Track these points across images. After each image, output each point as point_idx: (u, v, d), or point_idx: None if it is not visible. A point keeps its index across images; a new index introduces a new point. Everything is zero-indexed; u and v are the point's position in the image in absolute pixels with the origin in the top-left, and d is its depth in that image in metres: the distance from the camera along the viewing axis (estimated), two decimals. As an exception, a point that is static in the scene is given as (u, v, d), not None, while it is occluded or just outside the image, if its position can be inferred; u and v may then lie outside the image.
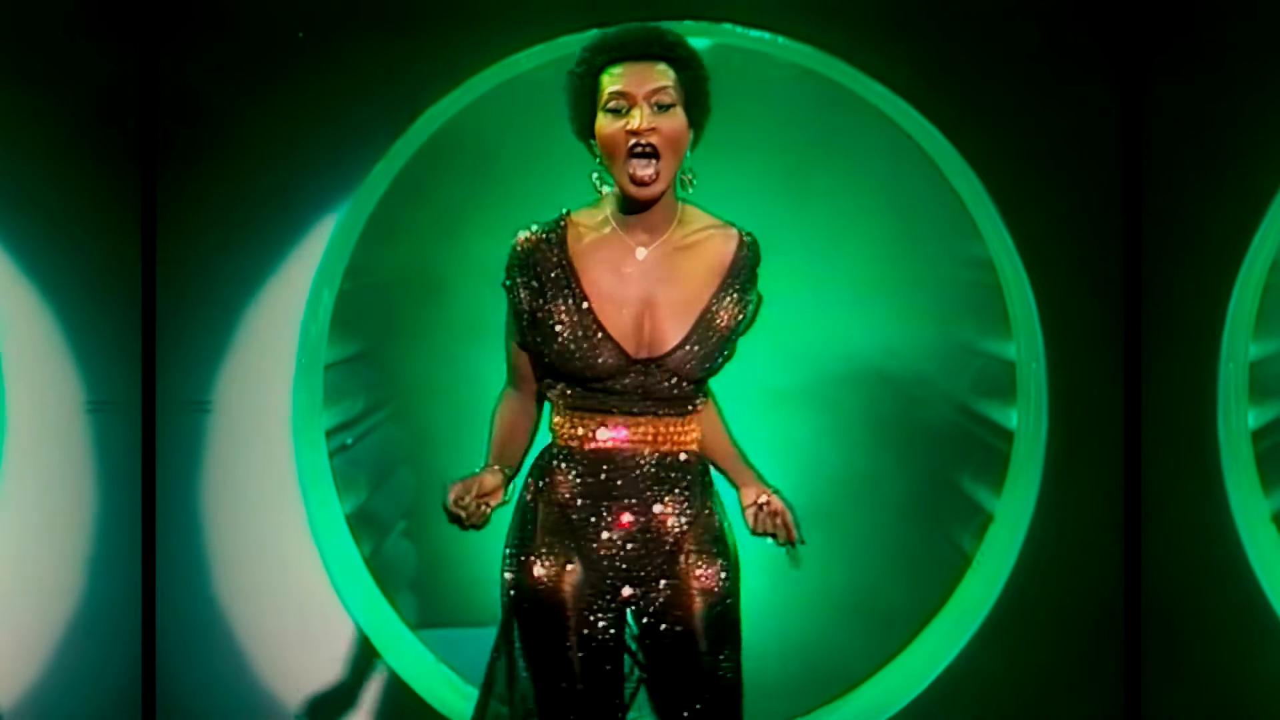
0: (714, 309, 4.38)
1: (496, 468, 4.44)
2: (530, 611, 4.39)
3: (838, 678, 6.64)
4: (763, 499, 4.46)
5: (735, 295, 4.40)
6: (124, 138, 6.38)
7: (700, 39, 6.62)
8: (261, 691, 6.50)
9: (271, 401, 6.49)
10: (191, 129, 6.44)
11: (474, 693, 6.45)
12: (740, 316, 4.42)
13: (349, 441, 6.74)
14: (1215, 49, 6.39)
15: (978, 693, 6.56)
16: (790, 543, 4.45)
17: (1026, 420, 6.57)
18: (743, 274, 4.42)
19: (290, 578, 6.50)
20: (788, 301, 6.58)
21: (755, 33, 6.47)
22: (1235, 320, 6.38)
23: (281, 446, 6.49)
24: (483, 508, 4.36)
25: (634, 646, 4.45)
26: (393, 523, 6.79)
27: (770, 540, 4.45)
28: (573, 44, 6.47)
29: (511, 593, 4.42)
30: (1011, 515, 6.58)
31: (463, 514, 4.32)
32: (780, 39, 6.48)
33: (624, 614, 4.41)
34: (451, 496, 4.34)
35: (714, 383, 4.53)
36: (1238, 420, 6.40)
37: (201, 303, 6.46)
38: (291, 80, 6.45)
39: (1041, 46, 6.48)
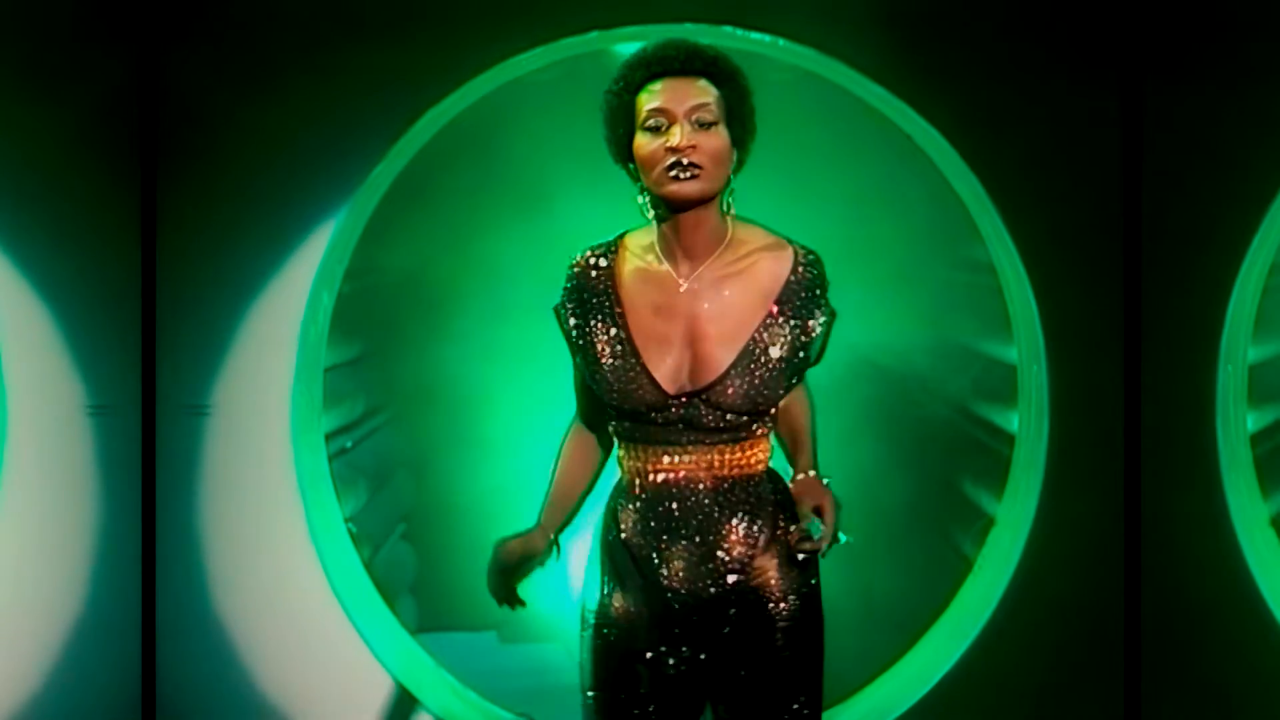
0: (762, 338, 4.17)
1: (544, 530, 4.39)
2: (604, 650, 4.26)
3: (838, 682, 6.59)
4: (820, 507, 4.25)
5: (791, 322, 4.18)
6: (124, 140, 6.36)
7: (700, 41, 6.62)
8: (260, 695, 6.49)
9: (271, 405, 6.48)
10: (191, 131, 6.42)
11: (472, 695, 6.48)
12: (800, 342, 4.19)
13: (348, 445, 6.73)
14: (1214, 54, 6.38)
15: (979, 697, 6.54)
16: (826, 542, 4.25)
17: (1028, 423, 6.56)
18: (798, 297, 4.19)
19: (289, 582, 6.48)
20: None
21: (756, 35, 6.47)
22: (1234, 323, 6.38)
23: (281, 450, 6.48)
24: (514, 593, 4.41)
25: (709, 674, 4.29)
26: (392, 526, 6.78)
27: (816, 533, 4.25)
28: (574, 46, 6.48)
29: (583, 636, 4.31)
30: (1013, 519, 6.57)
31: (499, 596, 4.40)
32: (781, 41, 6.47)
33: (696, 647, 4.24)
34: (499, 570, 4.43)
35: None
36: (1236, 424, 6.39)
37: (200, 306, 6.45)
38: (291, 82, 6.44)
39: (1042, 50, 6.47)
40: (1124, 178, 6.45)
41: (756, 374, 4.15)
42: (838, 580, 6.63)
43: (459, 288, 6.68)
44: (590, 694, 4.27)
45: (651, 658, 4.22)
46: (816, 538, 4.23)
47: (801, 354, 4.19)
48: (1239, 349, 6.41)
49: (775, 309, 4.18)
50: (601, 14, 6.43)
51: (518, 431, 6.68)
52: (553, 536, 4.39)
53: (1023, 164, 6.48)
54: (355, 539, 6.64)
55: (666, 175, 4.10)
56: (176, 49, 6.41)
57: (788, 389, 4.23)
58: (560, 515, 4.42)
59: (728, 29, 6.45)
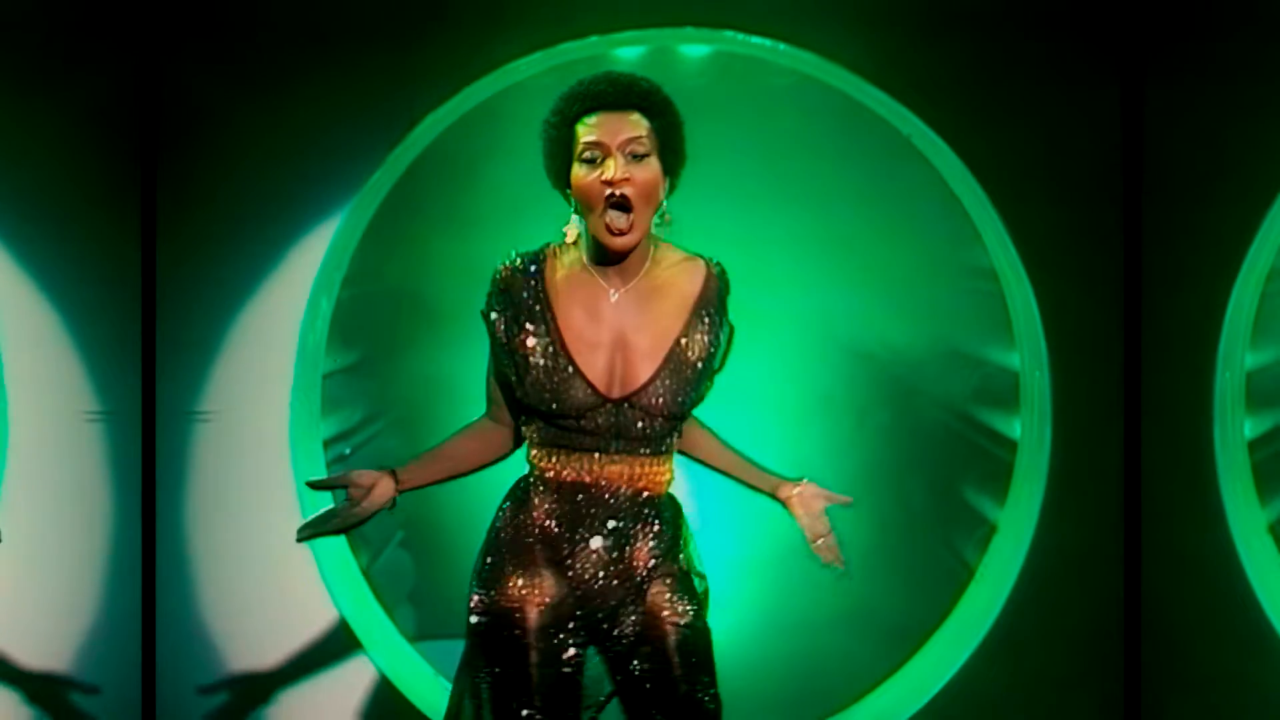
0: (683, 342, 4.43)
1: (399, 480, 4.56)
2: (496, 635, 4.43)
3: (840, 691, 6.62)
4: (821, 538, 4.63)
5: (705, 326, 4.45)
6: (124, 145, 6.36)
7: (701, 46, 6.60)
8: (259, 701, 6.48)
9: (269, 411, 6.47)
10: (191, 136, 6.42)
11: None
12: (711, 348, 4.45)
13: (347, 451, 6.72)
14: (1214, 58, 6.39)
15: (981, 705, 6.54)
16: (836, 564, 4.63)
17: (1030, 430, 6.55)
18: (711, 304, 4.47)
19: (287, 589, 6.48)
20: (788, 310, 6.57)
21: (756, 39, 6.45)
22: (1232, 329, 6.38)
23: (279, 456, 6.47)
24: (353, 503, 4.49)
25: (601, 674, 4.50)
26: (390, 533, 6.77)
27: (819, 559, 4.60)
28: (574, 50, 6.47)
29: (476, 617, 4.47)
30: (1015, 526, 6.56)
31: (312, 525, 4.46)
32: (781, 46, 6.46)
33: (589, 644, 4.47)
34: (338, 505, 4.50)
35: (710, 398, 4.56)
36: (1234, 430, 6.41)
37: (199, 312, 6.44)
38: (289, 88, 6.44)
39: (1042, 55, 6.47)
40: (1124, 182, 6.44)
41: (679, 378, 4.40)
42: (840, 586, 6.63)
43: (458, 293, 6.66)
44: (484, 672, 4.41)
45: (547, 647, 4.41)
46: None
47: (712, 358, 4.46)
48: (1237, 355, 6.43)
49: (693, 318, 4.43)
50: (601, 19, 6.43)
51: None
52: (397, 492, 4.56)
53: (1023, 168, 6.47)
54: (353, 546, 6.62)
55: (605, 222, 4.33)
56: (176, 54, 6.41)
57: (702, 396, 4.48)
58: (421, 478, 4.62)
59: (728, 33, 6.44)
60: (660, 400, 4.40)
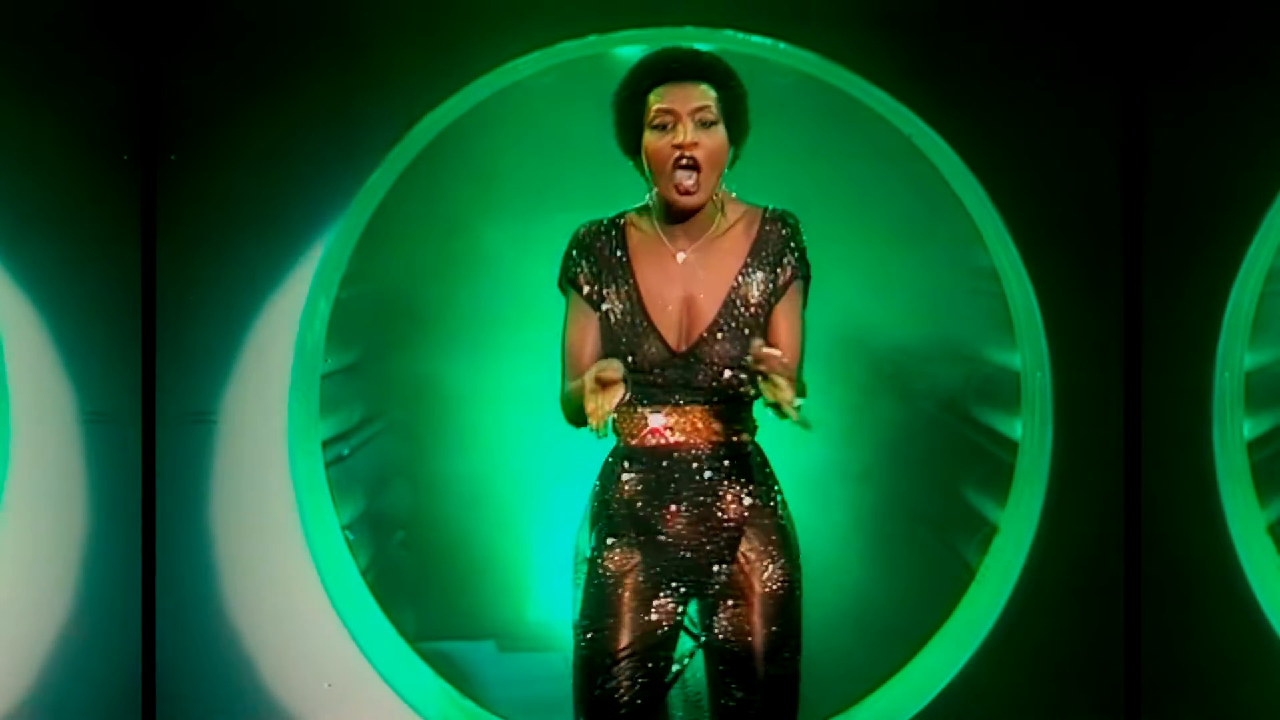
0: (740, 288, 4.61)
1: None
2: (597, 597, 4.59)
3: (841, 692, 6.60)
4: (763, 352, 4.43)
5: (764, 270, 4.63)
6: (124, 148, 6.35)
7: (701, 45, 6.58)
8: (258, 703, 6.46)
9: (268, 412, 6.46)
10: (190, 138, 6.41)
11: (470, 705, 6.44)
12: (773, 288, 4.62)
13: (346, 452, 6.70)
14: (1214, 59, 6.38)
15: (981, 706, 6.52)
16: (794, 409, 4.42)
17: (1031, 431, 6.53)
18: (766, 249, 4.65)
19: (287, 590, 6.47)
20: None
21: (756, 39, 6.44)
22: (1231, 329, 6.37)
23: (278, 457, 6.46)
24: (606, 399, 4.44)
25: (696, 634, 4.61)
26: (390, 534, 6.75)
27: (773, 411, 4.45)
28: (572, 50, 6.45)
29: (584, 578, 4.63)
30: (1016, 527, 6.54)
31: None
32: (781, 45, 6.44)
33: (686, 603, 4.61)
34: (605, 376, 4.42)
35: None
36: (1233, 431, 6.41)
37: (198, 313, 6.43)
38: (287, 89, 6.42)
39: (1043, 55, 6.45)
40: (1124, 182, 6.43)
41: (741, 323, 4.60)
42: (841, 587, 6.63)
43: (457, 294, 6.65)
44: (587, 634, 4.58)
45: (645, 605, 4.57)
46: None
47: (774, 300, 4.63)
48: (1235, 355, 6.42)
49: (747, 264, 4.63)
50: (600, 18, 6.42)
51: (517, 439, 6.65)
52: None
53: (1024, 168, 6.45)
54: (352, 547, 6.61)
55: (674, 182, 4.57)
56: (176, 55, 6.40)
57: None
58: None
59: (728, 33, 6.43)
60: (721, 347, 4.59)
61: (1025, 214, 6.47)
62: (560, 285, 4.71)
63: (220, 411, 6.44)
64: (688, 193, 4.56)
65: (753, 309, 4.61)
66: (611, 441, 4.66)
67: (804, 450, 6.57)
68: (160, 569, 6.42)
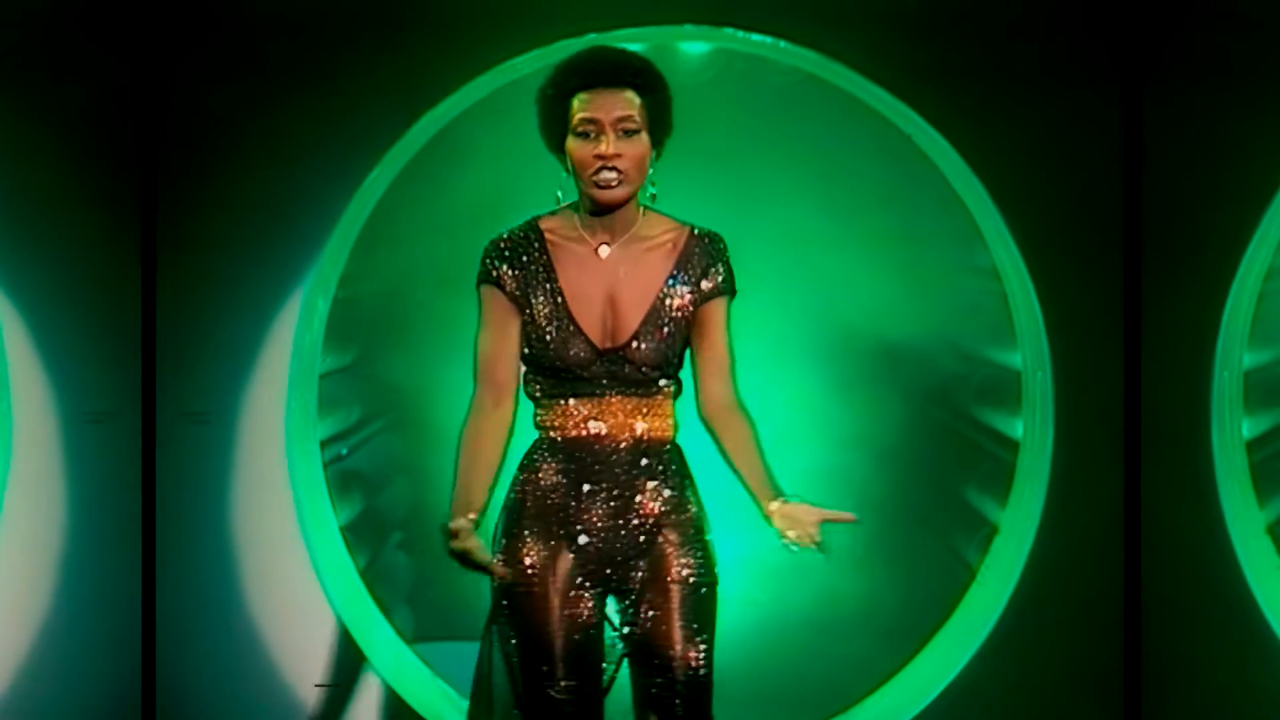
0: (664, 297, 4.65)
1: (470, 519, 4.61)
2: (518, 598, 4.64)
3: (841, 692, 6.60)
4: (787, 504, 4.65)
5: (689, 283, 4.66)
6: (124, 147, 6.36)
7: (701, 43, 6.58)
8: (257, 702, 6.46)
9: (266, 411, 6.45)
10: (188, 137, 6.41)
11: (468, 705, 6.42)
12: (691, 305, 4.65)
13: (344, 452, 6.70)
14: (1214, 58, 6.38)
15: (982, 706, 6.52)
16: (815, 543, 4.63)
17: (1032, 430, 6.53)
18: (691, 261, 4.67)
19: (285, 590, 6.46)
20: (788, 309, 6.55)
21: (757, 37, 6.43)
22: (1230, 329, 6.37)
23: (276, 457, 6.45)
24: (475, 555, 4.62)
25: (617, 627, 4.67)
26: (388, 534, 6.75)
27: (796, 546, 4.64)
28: (570, 49, 6.43)
29: (496, 583, 4.66)
30: (1016, 527, 6.54)
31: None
32: (782, 43, 6.44)
33: (605, 597, 4.66)
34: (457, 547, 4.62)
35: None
36: (1232, 431, 6.41)
37: (196, 313, 6.42)
38: (284, 89, 6.42)
39: (1043, 54, 6.45)
40: (1124, 181, 6.43)
41: (664, 329, 4.64)
42: (841, 589, 6.63)
43: (455, 293, 6.63)
44: (506, 636, 4.64)
45: (565, 605, 4.62)
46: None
47: (697, 307, 4.67)
48: (1234, 355, 6.42)
49: (675, 273, 4.66)
50: (600, 16, 6.41)
51: (515, 438, 6.65)
52: (476, 520, 4.65)
53: (1024, 167, 6.45)
54: (351, 547, 6.60)
55: (594, 181, 4.60)
56: (174, 56, 6.40)
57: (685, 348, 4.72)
58: (481, 499, 4.67)
59: (728, 30, 6.42)
60: (645, 350, 4.63)
61: (1025, 213, 6.47)
62: (478, 288, 4.72)
63: (219, 411, 6.43)
64: (609, 187, 4.59)
65: (676, 317, 4.65)
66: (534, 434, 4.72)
67: (804, 452, 6.57)
68: (158, 569, 6.41)
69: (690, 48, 6.60)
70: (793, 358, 6.55)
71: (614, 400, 4.66)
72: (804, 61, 6.46)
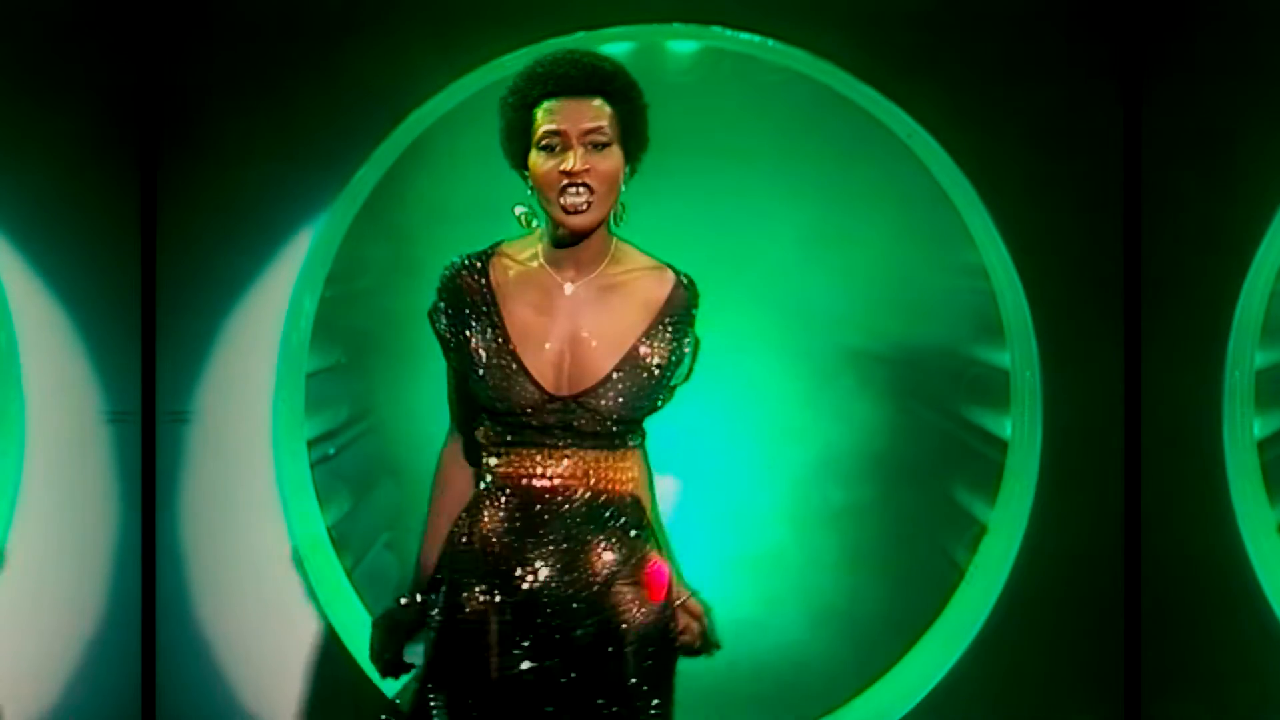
0: (643, 348, 4.28)
1: (416, 600, 4.43)
2: (453, 644, 4.31)
3: (829, 692, 6.60)
4: (681, 598, 4.39)
5: (668, 335, 4.29)
6: (124, 146, 6.35)
7: (689, 42, 6.57)
8: (244, 702, 6.47)
9: (252, 411, 6.44)
10: (184, 137, 6.39)
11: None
12: (673, 358, 4.30)
13: (331, 452, 6.69)
14: (1216, 54, 6.36)
15: (972, 708, 6.51)
16: (705, 649, 4.40)
17: (1021, 429, 6.53)
18: (677, 314, 4.31)
19: (271, 590, 6.46)
20: (777, 308, 6.55)
21: (745, 35, 6.42)
22: (1241, 327, 6.35)
23: (262, 457, 6.44)
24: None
25: (557, 680, 4.33)
26: (375, 535, 6.74)
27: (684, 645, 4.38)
28: (559, 46, 6.42)
29: (435, 626, 4.34)
30: (1006, 526, 6.54)
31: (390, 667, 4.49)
32: (770, 42, 6.43)
33: (548, 655, 4.28)
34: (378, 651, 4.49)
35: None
36: (1243, 430, 6.38)
37: (186, 312, 6.41)
38: (274, 86, 6.42)
39: (1039, 52, 6.45)
40: (1124, 180, 6.42)
41: (635, 382, 4.24)
42: (829, 588, 6.63)
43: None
44: (432, 690, 4.30)
45: (502, 657, 4.25)
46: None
47: (673, 369, 4.29)
48: (1245, 354, 6.38)
49: (657, 324, 4.26)
50: (588, 14, 6.40)
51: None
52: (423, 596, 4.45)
53: (1017, 166, 6.45)
54: (338, 548, 6.59)
55: (560, 203, 4.19)
56: (172, 54, 6.39)
57: (657, 406, 4.31)
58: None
59: (716, 29, 6.41)
60: (612, 402, 4.26)
61: (1017, 209, 6.46)
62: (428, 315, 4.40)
63: (204, 410, 6.42)
64: (577, 211, 4.20)
65: (654, 370, 4.27)
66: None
67: (793, 450, 6.57)
68: (160, 568, 6.41)
69: (678, 46, 6.59)
70: (779, 355, 6.54)
71: (567, 452, 4.27)
72: (794, 60, 6.46)
